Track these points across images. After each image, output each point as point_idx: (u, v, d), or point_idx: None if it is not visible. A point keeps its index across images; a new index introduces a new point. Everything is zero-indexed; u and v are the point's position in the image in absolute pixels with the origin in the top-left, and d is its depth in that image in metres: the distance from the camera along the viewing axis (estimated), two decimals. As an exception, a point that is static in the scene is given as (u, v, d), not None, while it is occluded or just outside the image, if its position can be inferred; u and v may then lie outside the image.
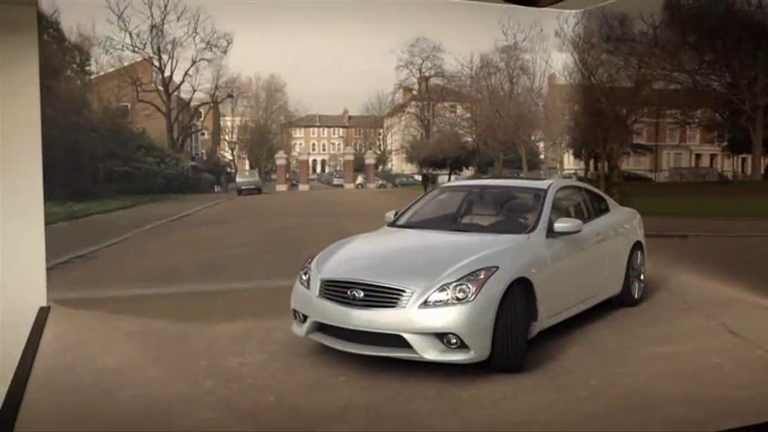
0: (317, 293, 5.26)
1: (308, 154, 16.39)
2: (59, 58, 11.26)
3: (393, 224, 6.41)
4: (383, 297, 4.96)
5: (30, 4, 6.94)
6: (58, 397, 4.73)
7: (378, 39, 12.61)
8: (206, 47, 12.91)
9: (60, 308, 6.82)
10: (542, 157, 15.65)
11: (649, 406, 4.51)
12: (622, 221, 7.13)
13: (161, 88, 13.07)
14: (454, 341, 4.81)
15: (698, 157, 14.22)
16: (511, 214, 6.33)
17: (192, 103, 14.00)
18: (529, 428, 4.22)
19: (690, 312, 6.75)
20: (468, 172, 15.50)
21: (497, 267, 5.02)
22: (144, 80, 12.73)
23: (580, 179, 12.55)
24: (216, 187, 14.64)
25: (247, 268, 9.35)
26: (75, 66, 11.84)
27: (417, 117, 16.21)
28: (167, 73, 12.97)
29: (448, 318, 4.82)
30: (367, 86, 15.03)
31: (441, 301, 4.87)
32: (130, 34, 11.87)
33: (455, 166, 15.57)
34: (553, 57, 13.79)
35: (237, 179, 14.97)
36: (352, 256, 5.61)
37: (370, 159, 16.24)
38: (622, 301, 6.87)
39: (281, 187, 15.17)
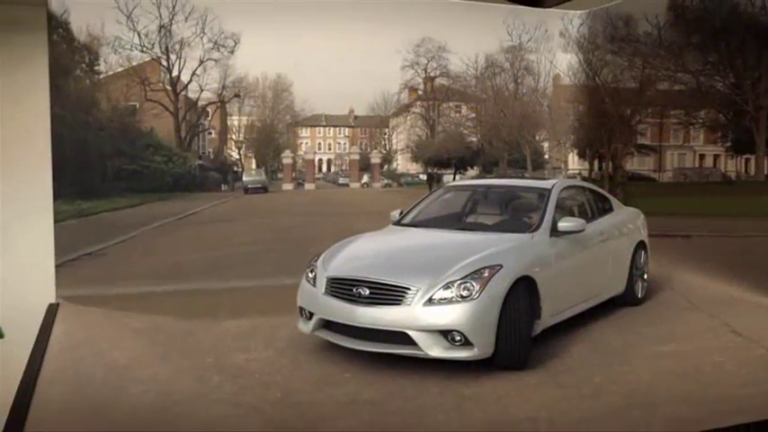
0: (323, 291, 5.32)
1: (314, 153, 16.44)
2: (69, 57, 11.32)
3: (398, 223, 6.46)
4: (388, 294, 5.01)
5: (40, 4, 7.00)
6: (69, 391, 4.80)
7: (383, 39, 12.66)
8: (213, 47, 12.96)
9: (69, 304, 6.87)
10: (547, 156, 15.65)
11: (652, 403, 4.54)
12: (626, 221, 7.17)
13: (169, 88, 13.12)
14: (458, 338, 4.87)
15: (701, 157, 14.22)
16: (515, 213, 6.37)
17: (200, 103, 14.06)
18: (531, 425, 4.27)
19: (693, 312, 6.78)
20: (472, 171, 15.52)
21: (501, 266, 5.06)
22: (152, 80, 12.78)
23: (584, 179, 12.57)
24: (223, 186, 14.68)
25: (253, 266, 9.39)
26: (84, 65, 11.91)
27: (422, 117, 16.24)
28: (175, 73, 13.04)
29: (452, 315, 4.87)
30: (372, 86, 15.08)
31: (445, 299, 4.92)
32: (139, 34, 11.93)
33: (460, 165, 15.59)
34: (558, 57, 13.81)
35: (244, 178, 15.01)
36: (357, 255, 5.66)
37: (375, 159, 16.27)
38: (626, 300, 6.90)
39: (288, 186, 15.20)
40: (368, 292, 5.06)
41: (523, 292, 5.13)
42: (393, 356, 5.02)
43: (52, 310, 6.61)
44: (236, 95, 14.56)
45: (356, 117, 17.08)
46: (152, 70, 12.85)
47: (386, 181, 16.36)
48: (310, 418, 4.37)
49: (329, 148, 17.23)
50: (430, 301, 4.92)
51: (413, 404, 4.53)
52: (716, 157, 14.06)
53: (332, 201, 14.99)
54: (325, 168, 17.21)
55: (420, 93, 16.11)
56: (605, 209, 7.02)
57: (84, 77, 12.07)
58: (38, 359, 5.32)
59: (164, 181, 12.57)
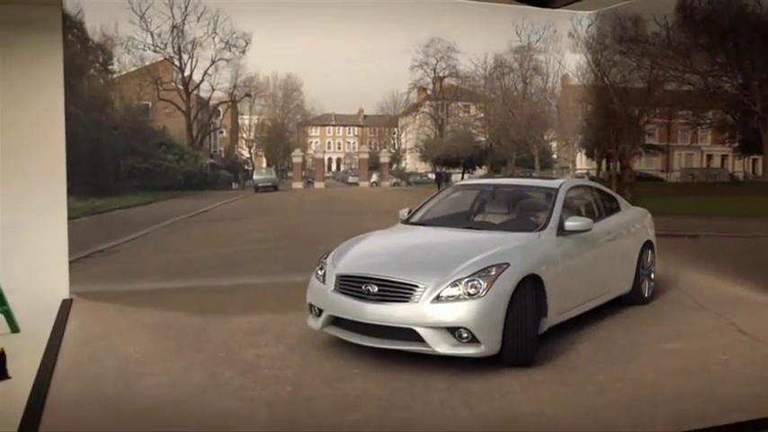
0: (333, 288, 5.40)
1: (324, 152, 16.49)
2: (83, 57, 11.43)
3: (407, 221, 6.52)
4: (397, 292, 5.08)
5: (55, 4, 7.11)
6: (84, 385, 4.89)
7: (393, 39, 12.67)
8: (225, 47, 13.01)
9: (82, 300, 6.99)
10: (555, 156, 15.63)
11: (656, 401, 4.59)
12: (633, 221, 7.20)
13: (181, 87, 13.19)
14: (465, 335, 4.93)
15: (709, 157, 14.17)
16: (522, 213, 6.43)
17: (211, 102, 14.11)
18: (537, 421, 4.32)
19: (699, 311, 6.81)
20: (481, 171, 15.52)
21: (508, 264, 5.13)
22: (165, 79, 12.85)
23: (592, 179, 12.56)
24: (233, 184, 14.72)
25: (263, 263, 9.45)
26: (98, 65, 12.01)
27: (431, 116, 16.25)
28: (187, 72, 13.10)
29: (459, 312, 4.94)
30: (382, 86, 15.10)
31: (453, 297, 4.98)
32: (152, 34, 12.01)
33: (468, 165, 15.60)
34: (566, 57, 13.79)
35: (255, 176, 15.04)
36: (366, 252, 5.73)
37: (384, 158, 16.29)
38: (632, 299, 6.94)
39: (297, 185, 15.24)
40: (376, 289, 5.14)
41: (530, 291, 5.18)
42: (401, 353, 5.09)
43: (66, 306, 6.72)
44: (247, 95, 14.62)
45: (365, 116, 17.11)
46: (164, 70, 12.93)
47: (395, 180, 16.38)
48: (319, 413, 4.44)
49: (339, 148, 17.27)
50: (438, 299, 4.99)
51: (420, 400, 4.59)
52: (723, 157, 14.02)
53: (341, 199, 15.03)
54: (334, 167, 17.24)
55: (429, 92, 16.11)
56: (612, 208, 7.06)
57: (97, 77, 12.18)
58: (53, 353, 5.42)
59: (175, 179, 12.63)
